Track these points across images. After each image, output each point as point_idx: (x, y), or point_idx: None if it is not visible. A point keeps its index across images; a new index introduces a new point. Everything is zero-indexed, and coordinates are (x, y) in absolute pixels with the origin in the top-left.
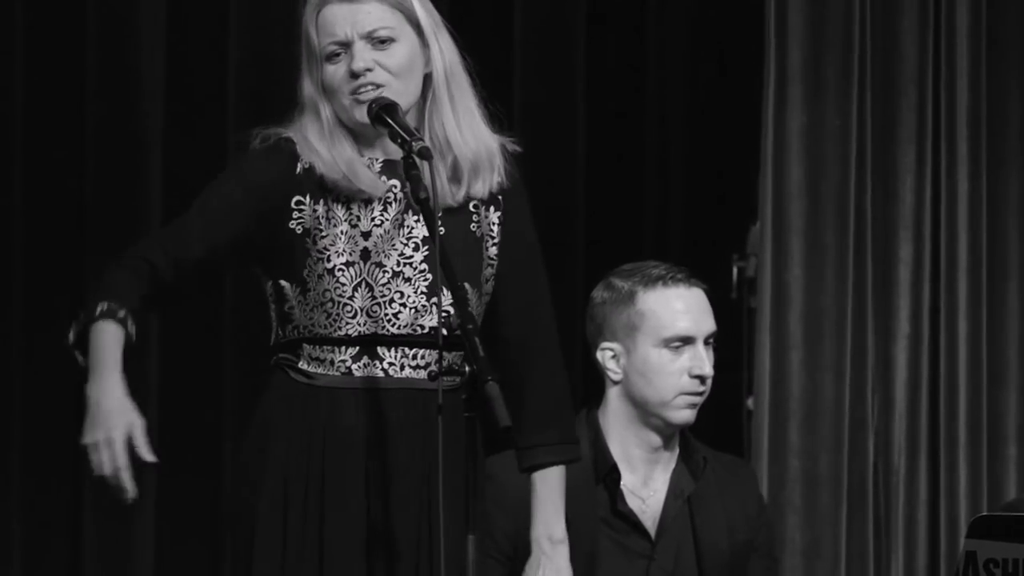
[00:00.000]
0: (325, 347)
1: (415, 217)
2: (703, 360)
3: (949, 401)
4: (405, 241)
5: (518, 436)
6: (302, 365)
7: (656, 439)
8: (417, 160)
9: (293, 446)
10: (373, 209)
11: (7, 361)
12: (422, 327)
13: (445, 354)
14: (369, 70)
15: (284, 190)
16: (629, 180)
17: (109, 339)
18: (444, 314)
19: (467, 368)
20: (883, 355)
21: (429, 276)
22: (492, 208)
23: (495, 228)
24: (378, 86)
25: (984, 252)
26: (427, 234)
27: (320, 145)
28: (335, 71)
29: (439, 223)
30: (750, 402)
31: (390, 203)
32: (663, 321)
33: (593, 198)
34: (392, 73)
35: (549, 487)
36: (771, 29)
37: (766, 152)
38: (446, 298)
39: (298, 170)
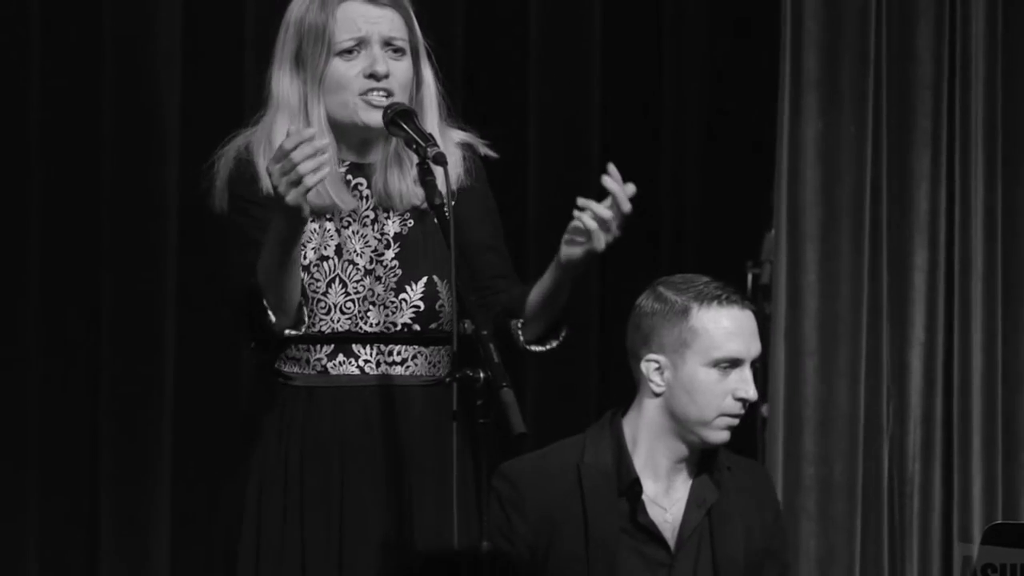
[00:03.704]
0: (301, 346)
1: (385, 214)
2: (749, 383)
3: (964, 408)
4: (378, 237)
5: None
6: (279, 365)
7: (686, 451)
8: (432, 166)
9: (271, 445)
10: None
11: (24, 368)
12: (394, 324)
13: (423, 349)
14: (387, 76)
15: (262, 211)
16: (645, 185)
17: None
18: (464, 324)
19: (481, 374)
20: (898, 362)
21: (399, 272)
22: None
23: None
24: (390, 93)
25: (999, 258)
26: (398, 231)
27: None
28: (348, 67)
29: (409, 214)
30: (765, 409)
31: (357, 200)
32: (716, 341)
33: None
34: (400, 84)
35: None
36: (787, 36)
37: (781, 159)
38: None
39: (264, 190)
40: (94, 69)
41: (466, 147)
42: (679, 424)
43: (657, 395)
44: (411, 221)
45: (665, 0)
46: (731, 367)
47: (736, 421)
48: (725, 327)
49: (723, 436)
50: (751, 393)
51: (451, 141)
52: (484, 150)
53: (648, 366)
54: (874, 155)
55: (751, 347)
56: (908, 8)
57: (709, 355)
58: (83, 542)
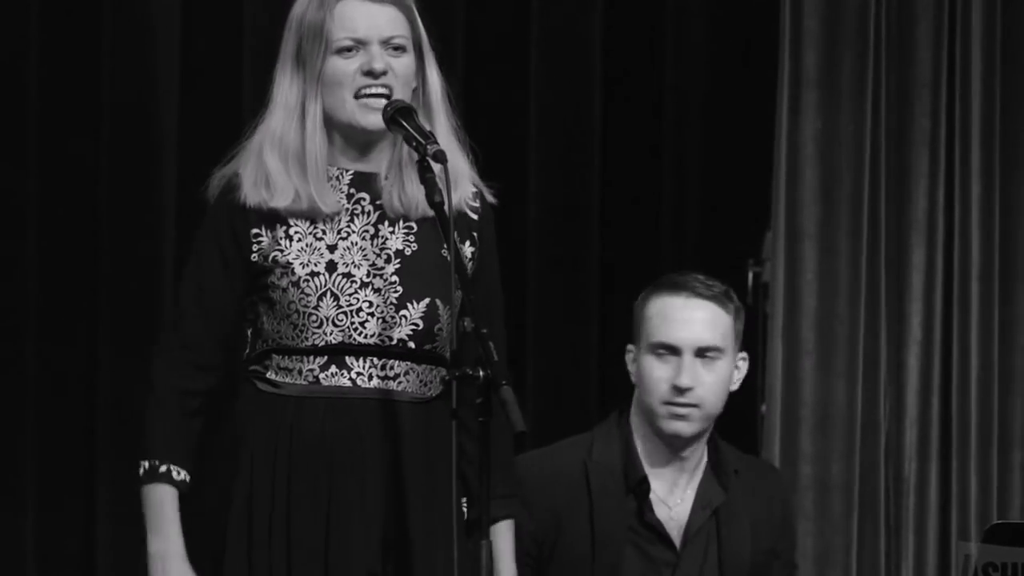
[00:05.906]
0: (293, 357)
1: (390, 228)
2: (682, 371)
3: (960, 407)
4: (378, 252)
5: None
6: (270, 375)
7: (663, 446)
8: (432, 163)
9: (259, 455)
10: (339, 222)
11: (21, 365)
12: (390, 338)
13: (415, 366)
14: (384, 73)
15: (243, 230)
16: (645, 185)
17: (163, 498)
18: (464, 321)
19: (480, 373)
20: (895, 361)
21: (400, 289)
22: (468, 243)
23: (467, 262)
24: (389, 90)
25: (996, 258)
26: (400, 248)
27: (280, 176)
28: (345, 65)
29: (414, 235)
30: (764, 408)
31: (357, 215)
32: (654, 327)
33: (609, 203)
34: (401, 81)
35: (505, 539)
36: (786, 34)
37: (780, 157)
38: (442, 305)
39: (248, 206)
40: (93, 68)
41: (478, 189)
42: (646, 416)
43: (635, 386)
44: (415, 244)
45: (666, 0)
46: (669, 354)
47: (682, 410)
48: (664, 313)
49: (675, 427)
50: (682, 381)
51: (454, 141)
52: (489, 197)
53: (628, 357)
54: (872, 154)
55: (691, 334)
56: (907, 8)
57: (649, 340)
58: (81, 540)
